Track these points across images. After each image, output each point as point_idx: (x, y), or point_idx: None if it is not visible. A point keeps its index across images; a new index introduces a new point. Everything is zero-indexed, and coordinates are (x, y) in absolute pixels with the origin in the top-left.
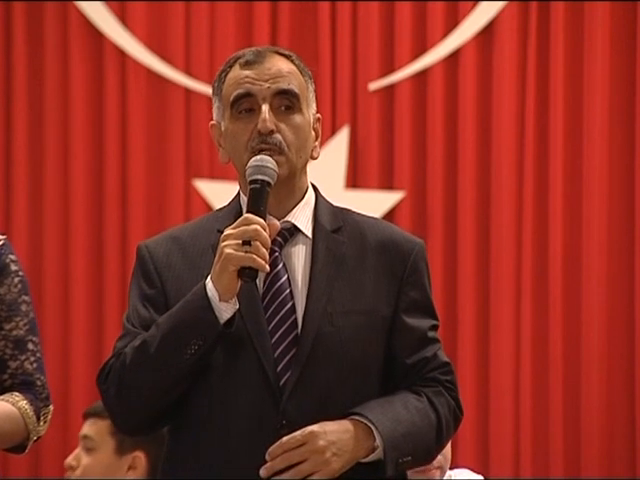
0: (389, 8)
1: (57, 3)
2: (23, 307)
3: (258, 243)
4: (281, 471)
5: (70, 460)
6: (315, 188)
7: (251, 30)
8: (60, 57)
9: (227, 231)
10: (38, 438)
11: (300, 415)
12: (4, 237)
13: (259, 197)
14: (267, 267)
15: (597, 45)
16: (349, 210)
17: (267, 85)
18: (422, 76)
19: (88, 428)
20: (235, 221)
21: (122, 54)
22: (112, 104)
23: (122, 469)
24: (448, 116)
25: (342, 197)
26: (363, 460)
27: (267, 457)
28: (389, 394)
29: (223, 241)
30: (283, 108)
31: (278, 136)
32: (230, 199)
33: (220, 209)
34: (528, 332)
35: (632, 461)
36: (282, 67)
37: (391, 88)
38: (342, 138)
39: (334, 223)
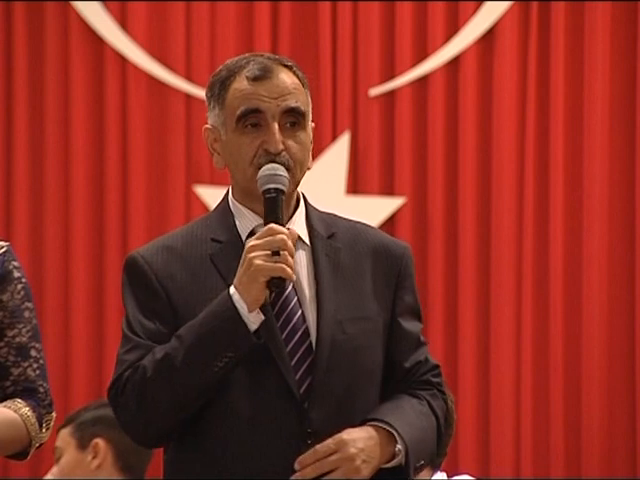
0: (390, 14)
1: (57, 8)
2: (26, 314)
3: (286, 253)
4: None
5: (47, 477)
6: (303, 196)
7: (252, 37)
8: (61, 63)
9: (252, 242)
10: (40, 445)
11: (323, 423)
12: (7, 244)
13: (276, 206)
14: (294, 276)
15: (598, 52)
16: (336, 215)
17: (276, 103)
18: (423, 82)
19: (57, 441)
20: (228, 229)
21: (122, 60)
22: (112, 110)
23: (87, 461)
24: (449, 122)
25: (343, 203)
26: (383, 466)
27: (297, 466)
28: (388, 398)
29: (249, 252)
30: (289, 125)
31: (285, 154)
32: (218, 204)
33: (207, 216)
34: (528, 335)
35: (632, 461)
36: (288, 83)
37: (392, 94)
38: (343, 144)
39: (327, 229)
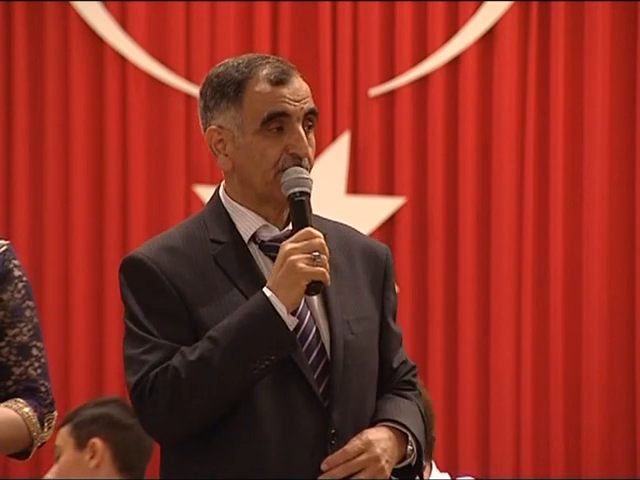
0: (390, 14)
1: (57, 8)
2: (27, 312)
3: (324, 257)
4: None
5: (47, 476)
6: None
7: (252, 37)
8: (61, 63)
9: (290, 245)
10: (42, 444)
11: (343, 423)
12: (7, 242)
13: (305, 209)
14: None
15: (598, 52)
16: (317, 215)
17: (300, 105)
18: (423, 82)
19: (57, 439)
20: (227, 230)
21: (122, 60)
22: (112, 110)
23: (85, 460)
24: (449, 122)
25: (343, 203)
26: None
27: (324, 466)
28: (382, 399)
29: (290, 255)
30: (307, 128)
31: (307, 158)
32: (208, 204)
33: (199, 217)
34: (529, 334)
35: (632, 461)
36: (304, 86)
37: (392, 94)
38: (343, 144)
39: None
